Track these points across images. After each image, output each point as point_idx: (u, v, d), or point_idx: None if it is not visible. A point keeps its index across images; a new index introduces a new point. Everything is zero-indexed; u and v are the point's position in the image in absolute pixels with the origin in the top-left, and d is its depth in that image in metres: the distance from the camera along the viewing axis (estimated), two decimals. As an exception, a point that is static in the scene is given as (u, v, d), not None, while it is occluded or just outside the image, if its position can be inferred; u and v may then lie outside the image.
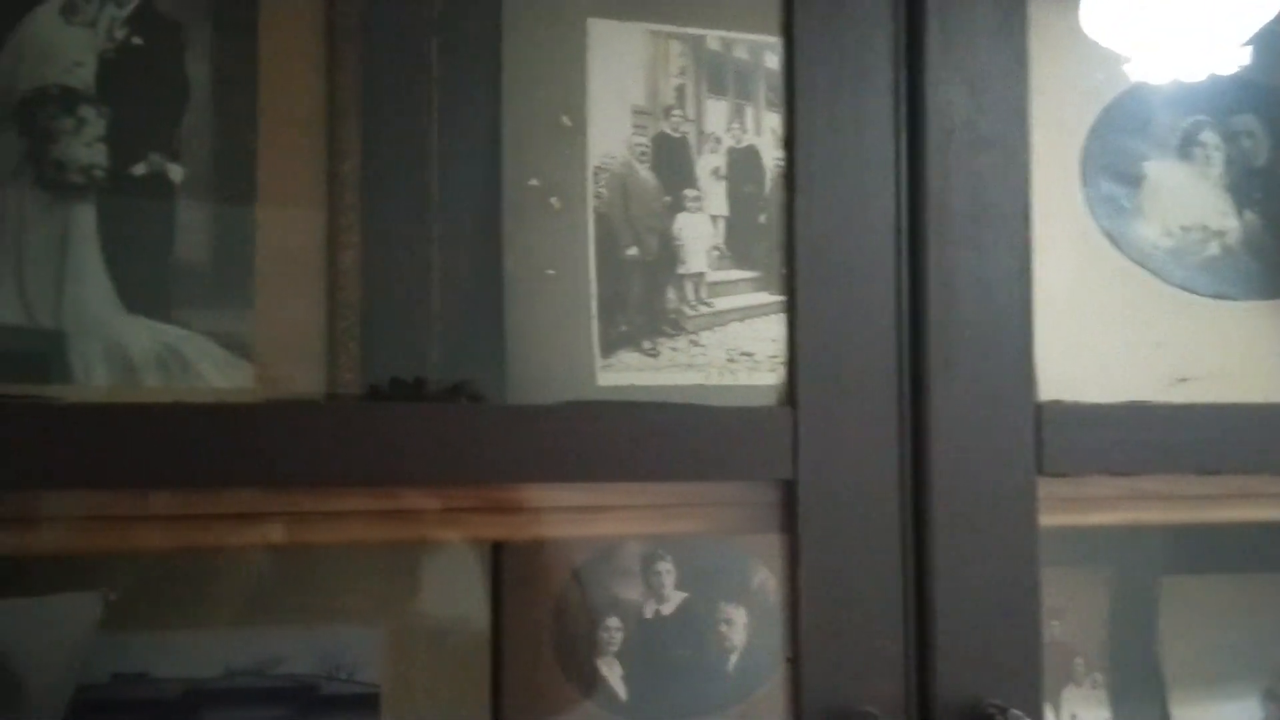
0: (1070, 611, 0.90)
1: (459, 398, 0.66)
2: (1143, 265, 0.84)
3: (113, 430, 0.53)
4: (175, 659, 0.75)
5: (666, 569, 0.87)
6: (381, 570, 0.79)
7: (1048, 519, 0.66)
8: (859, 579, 0.61)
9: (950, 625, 0.62)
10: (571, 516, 0.62)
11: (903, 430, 0.62)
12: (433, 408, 0.60)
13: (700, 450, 0.59)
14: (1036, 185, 0.71)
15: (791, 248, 0.62)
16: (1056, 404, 0.71)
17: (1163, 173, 0.86)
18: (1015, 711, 0.60)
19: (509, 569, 0.82)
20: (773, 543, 0.66)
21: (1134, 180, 0.85)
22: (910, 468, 0.62)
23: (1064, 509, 0.68)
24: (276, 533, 0.59)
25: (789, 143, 0.63)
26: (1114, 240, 0.83)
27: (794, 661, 0.60)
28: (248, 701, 0.76)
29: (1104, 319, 0.81)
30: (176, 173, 0.69)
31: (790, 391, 0.61)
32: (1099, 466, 0.67)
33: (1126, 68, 0.84)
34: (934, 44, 0.63)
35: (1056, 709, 0.88)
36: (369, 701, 0.78)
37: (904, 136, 0.64)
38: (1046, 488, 0.65)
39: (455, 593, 0.80)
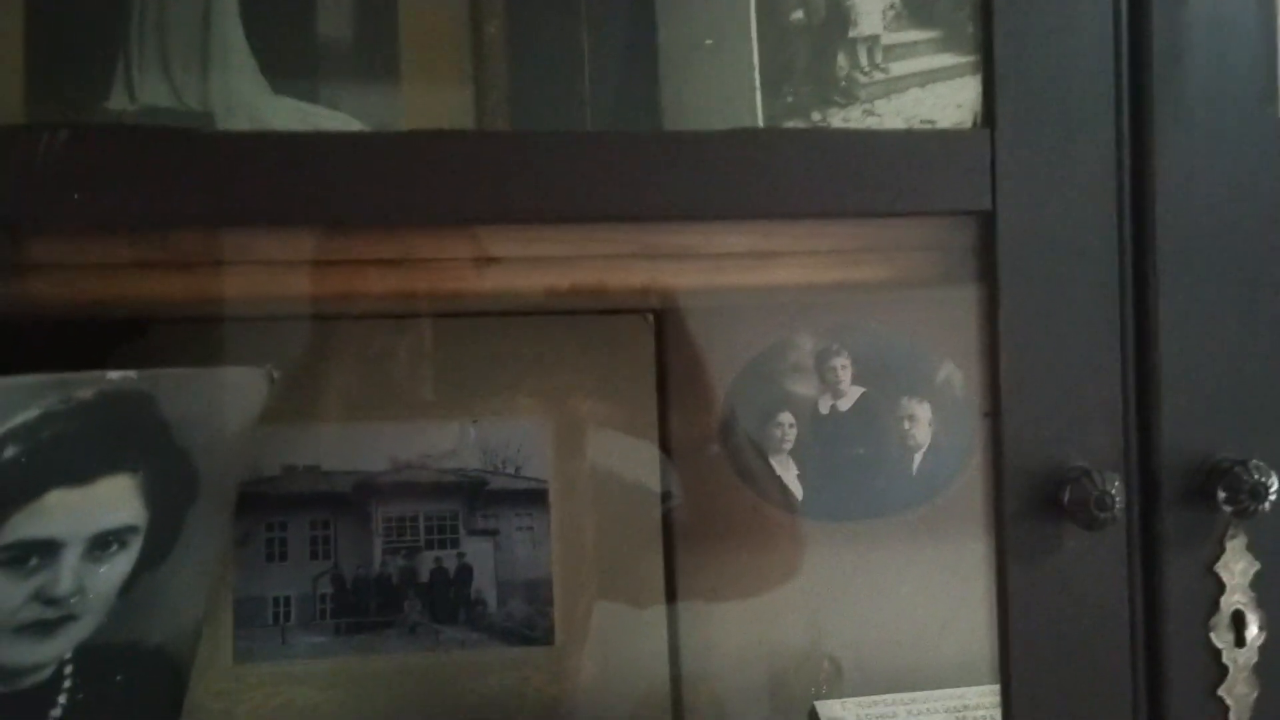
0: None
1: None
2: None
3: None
4: (345, 452, 0.75)
5: (843, 364, 0.82)
6: (549, 369, 0.77)
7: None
8: (1070, 319, 0.53)
9: (1177, 368, 0.54)
10: (741, 263, 0.57)
11: (1120, 150, 0.54)
12: (583, 136, 0.55)
13: (881, 182, 0.53)
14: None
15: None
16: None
17: None
18: (1257, 462, 0.53)
19: (675, 361, 0.78)
20: (966, 308, 0.58)
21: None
22: (1129, 193, 0.54)
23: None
24: (423, 280, 0.55)
25: None
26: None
27: (993, 415, 0.54)
28: (417, 495, 0.75)
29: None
30: (315, -55, 0.66)
31: (988, 108, 0.53)
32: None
33: None
34: None
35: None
36: (537, 497, 0.76)
37: None
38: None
39: (621, 390, 0.77)
